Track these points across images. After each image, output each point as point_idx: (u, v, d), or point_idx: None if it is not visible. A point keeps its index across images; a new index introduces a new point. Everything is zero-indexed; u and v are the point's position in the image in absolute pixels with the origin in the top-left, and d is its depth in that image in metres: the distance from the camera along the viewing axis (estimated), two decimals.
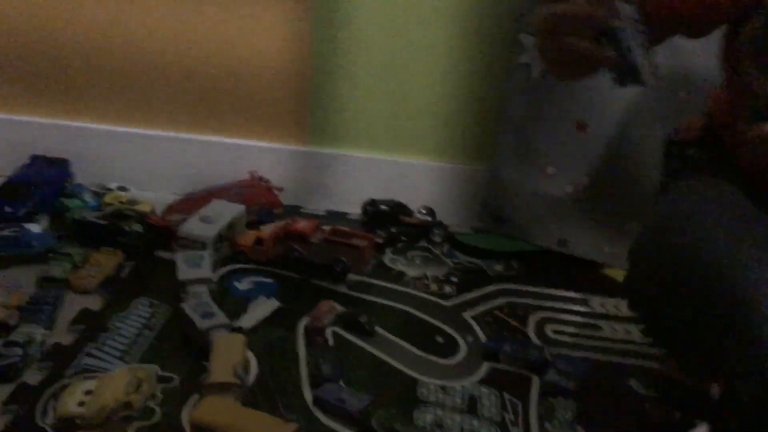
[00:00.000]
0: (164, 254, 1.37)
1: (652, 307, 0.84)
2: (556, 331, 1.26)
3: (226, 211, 1.38)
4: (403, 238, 1.53)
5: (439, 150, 1.60)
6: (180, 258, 1.26)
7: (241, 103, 1.59)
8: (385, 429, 0.96)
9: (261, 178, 1.59)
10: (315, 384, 1.06)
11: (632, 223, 1.37)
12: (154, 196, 1.60)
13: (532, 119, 1.44)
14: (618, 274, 1.43)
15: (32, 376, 1.04)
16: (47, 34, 1.55)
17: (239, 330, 1.17)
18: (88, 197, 1.54)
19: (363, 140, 1.61)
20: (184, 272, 1.22)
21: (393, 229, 1.52)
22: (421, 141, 1.60)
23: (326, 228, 1.38)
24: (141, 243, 1.37)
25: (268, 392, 1.05)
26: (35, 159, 1.60)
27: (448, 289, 1.37)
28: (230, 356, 1.03)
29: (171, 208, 1.49)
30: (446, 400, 1.07)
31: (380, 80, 1.54)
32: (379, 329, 1.22)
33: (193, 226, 1.33)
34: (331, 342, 1.18)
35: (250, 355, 1.11)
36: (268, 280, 1.33)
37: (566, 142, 1.43)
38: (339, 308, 1.24)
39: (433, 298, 1.33)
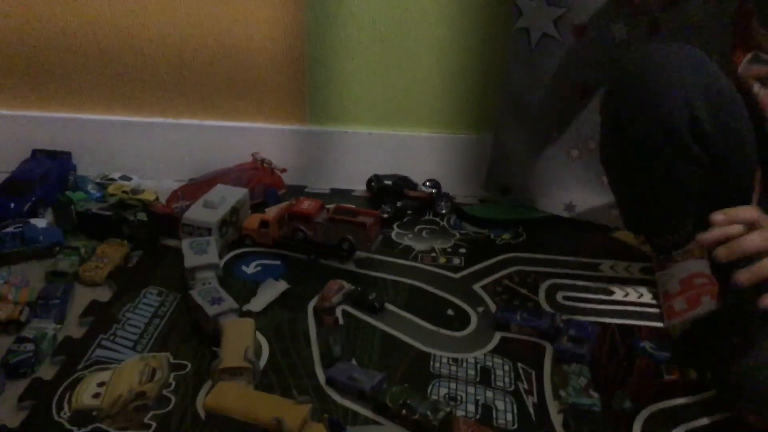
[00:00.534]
0: (170, 242, 1.37)
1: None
2: (567, 298, 1.25)
3: (229, 196, 1.38)
4: (409, 212, 1.52)
5: (441, 121, 1.58)
6: (186, 245, 1.26)
7: (239, 85, 1.58)
8: (399, 405, 0.96)
9: (263, 160, 1.58)
10: (327, 364, 1.06)
11: None
12: (157, 184, 1.60)
13: (533, 84, 1.42)
14: (627, 236, 1.41)
15: (46, 371, 1.05)
16: (42, 27, 1.53)
17: (248, 314, 1.17)
18: (91, 189, 1.54)
19: (363, 115, 1.59)
20: (190, 259, 1.22)
21: (398, 204, 1.51)
22: (422, 113, 1.58)
23: (331, 206, 1.38)
24: (146, 232, 1.37)
25: (281, 374, 1.05)
26: (37, 153, 1.60)
27: (456, 261, 1.36)
28: (241, 341, 1.03)
29: (174, 195, 1.48)
30: (459, 373, 1.06)
31: (378, 54, 1.52)
32: (388, 305, 1.22)
33: (197, 212, 1.33)
34: (341, 321, 1.17)
35: (261, 339, 1.12)
36: (275, 262, 1.33)
37: (570, 106, 1.41)
38: (347, 287, 1.23)
39: (441, 271, 1.32)
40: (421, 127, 1.59)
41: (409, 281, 1.29)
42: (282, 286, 1.25)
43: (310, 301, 1.22)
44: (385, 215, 1.48)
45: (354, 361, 1.08)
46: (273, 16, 1.50)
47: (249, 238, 1.38)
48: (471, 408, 1.00)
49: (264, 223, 1.37)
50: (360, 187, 1.61)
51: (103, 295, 1.23)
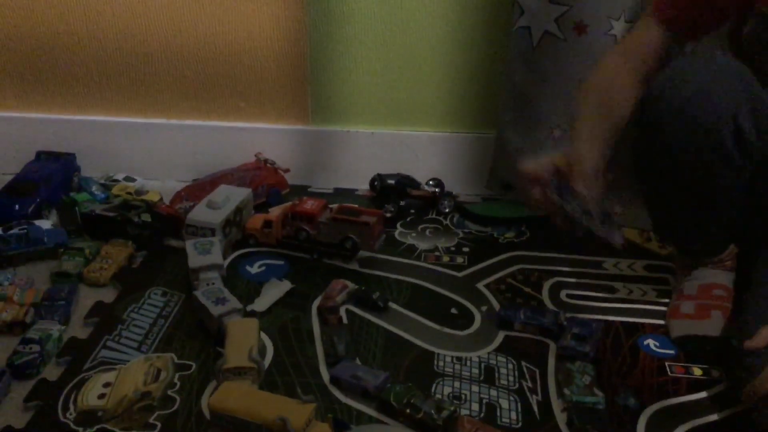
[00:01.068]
0: (174, 242, 1.37)
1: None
2: (570, 296, 1.25)
3: (233, 196, 1.38)
4: (412, 211, 1.52)
5: (444, 120, 1.58)
6: (190, 245, 1.26)
7: (242, 86, 1.58)
8: (403, 404, 0.96)
9: (266, 161, 1.59)
10: (331, 363, 1.07)
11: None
12: (161, 184, 1.61)
13: (536, 82, 1.42)
14: (632, 234, 1.41)
15: (51, 372, 1.05)
16: (45, 29, 1.54)
17: (252, 314, 1.17)
18: (95, 190, 1.54)
19: (366, 115, 1.59)
20: (194, 259, 1.22)
21: (401, 203, 1.52)
22: (424, 112, 1.58)
23: (334, 206, 1.38)
24: (150, 233, 1.37)
25: (285, 374, 1.05)
26: (41, 155, 1.61)
27: (460, 259, 1.36)
28: (245, 341, 1.03)
29: (178, 196, 1.49)
30: (463, 372, 1.06)
31: (380, 53, 1.52)
32: (392, 304, 1.22)
33: (200, 213, 1.33)
34: (345, 320, 1.18)
35: (265, 338, 1.12)
36: (279, 262, 1.33)
37: (571, 103, 1.40)
38: (351, 286, 1.24)
39: (445, 270, 1.32)
40: (423, 126, 1.60)
41: (412, 280, 1.29)
42: (286, 285, 1.25)
43: (313, 301, 1.22)
44: (389, 214, 1.48)
45: (358, 360, 1.08)
46: (275, 16, 1.50)
47: (252, 238, 1.38)
48: (475, 407, 1.00)
49: (267, 223, 1.37)
50: (363, 186, 1.61)
51: (108, 295, 1.23)
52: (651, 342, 1.12)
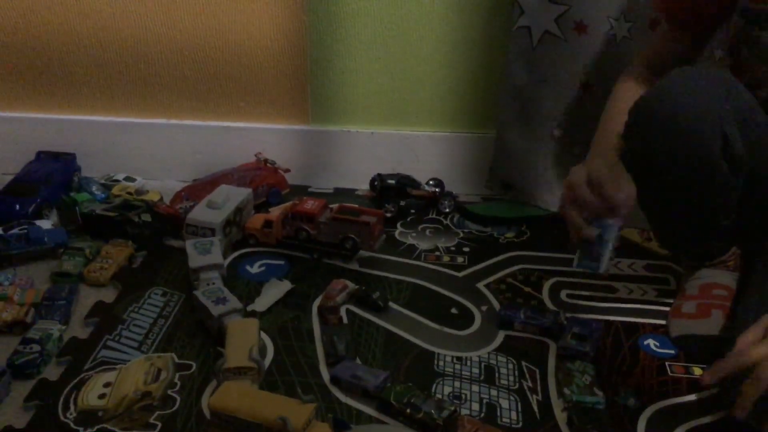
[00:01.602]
0: (174, 242, 1.37)
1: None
2: (570, 295, 1.25)
3: (233, 196, 1.38)
4: (412, 211, 1.52)
5: (444, 119, 1.58)
6: (190, 245, 1.26)
7: (242, 86, 1.58)
8: (403, 404, 0.96)
9: (267, 160, 1.59)
10: (331, 363, 1.07)
11: None
12: (161, 184, 1.61)
13: (536, 82, 1.42)
14: (631, 233, 1.41)
15: (51, 372, 1.05)
16: (45, 29, 1.54)
17: (253, 314, 1.17)
18: (96, 190, 1.54)
19: (366, 115, 1.59)
20: (194, 259, 1.23)
21: (402, 203, 1.52)
22: (424, 111, 1.58)
23: (334, 206, 1.38)
24: (150, 233, 1.37)
25: (285, 374, 1.05)
26: (41, 154, 1.61)
27: (460, 259, 1.36)
28: (245, 340, 1.03)
29: (178, 196, 1.49)
30: (463, 371, 1.07)
31: (380, 53, 1.52)
32: (392, 304, 1.22)
33: (200, 213, 1.33)
34: (345, 320, 1.18)
35: (265, 338, 1.12)
36: (279, 262, 1.34)
37: (571, 103, 1.41)
38: (351, 286, 1.24)
39: (445, 270, 1.32)
40: (423, 126, 1.60)
41: (412, 280, 1.29)
42: (286, 285, 1.25)
43: (314, 301, 1.22)
44: (389, 214, 1.48)
45: (358, 360, 1.08)
46: (275, 16, 1.50)
47: (253, 238, 1.39)
48: (475, 406, 1.00)
49: (268, 223, 1.37)
50: (363, 186, 1.61)
51: (108, 295, 1.23)
52: (651, 342, 1.12)
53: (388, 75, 1.54)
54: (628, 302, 1.23)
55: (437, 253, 1.38)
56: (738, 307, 1.08)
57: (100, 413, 0.97)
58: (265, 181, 1.54)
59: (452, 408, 0.95)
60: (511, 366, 1.08)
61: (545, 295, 1.25)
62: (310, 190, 1.62)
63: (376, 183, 1.56)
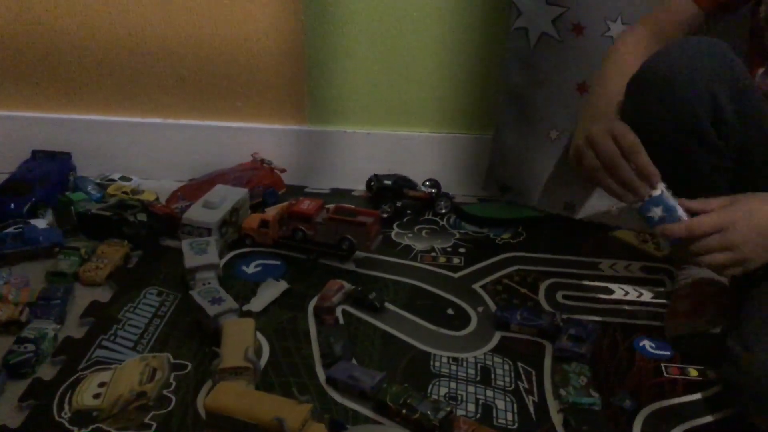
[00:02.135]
0: (170, 242, 1.37)
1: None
2: (567, 297, 1.25)
3: (229, 196, 1.38)
4: (409, 211, 1.52)
5: (441, 120, 1.58)
6: (186, 245, 1.26)
7: (239, 86, 1.58)
8: (399, 404, 0.96)
9: (263, 161, 1.58)
10: (327, 363, 1.07)
11: None
12: (157, 184, 1.60)
13: (533, 84, 1.42)
14: (627, 235, 1.41)
15: (46, 372, 1.05)
16: (41, 28, 1.53)
17: (249, 314, 1.17)
18: (91, 189, 1.54)
19: (363, 115, 1.59)
20: (190, 259, 1.22)
21: (398, 204, 1.51)
22: (421, 112, 1.58)
23: (330, 206, 1.38)
24: (146, 232, 1.37)
25: (281, 374, 1.05)
26: (37, 154, 1.60)
27: (456, 260, 1.36)
28: (241, 341, 1.03)
29: (174, 196, 1.49)
30: (459, 372, 1.07)
31: (376, 53, 1.52)
32: (388, 305, 1.22)
33: (196, 213, 1.33)
34: (341, 321, 1.18)
35: (261, 338, 1.12)
36: (275, 262, 1.33)
37: (568, 105, 1.41)
38: (347, 286, 1.24)
39: (441, 271, 1.32)
40: (420, 127, 1.59)
41: (409, 281, 1.29)
42: (282, 286, 1.25)
43: (310, 301, 1.22)
44: (385, 215, 1.48)
45: (354, 361, 1.08)
46: (272, 16, 1.50)
47: (249, 238, 1.38)
48: (471, 407, 1.00)
49: (264, 223, 1.37)
50: (360, 186, 1.61)
51: (104, 295, 1.23)
52: (647, 343, 1.12)
53: (386, 76, 1.54)
54: (624, 304, 1.23)
55: (433, 253, 1.38)
56: (742, 317, 1.05)
57: (94, 413, 0.97)
58: (261, 181, 1.53)
59: (448, 409, 0.95)
60: (507, 367, 1.08)
61: (541, 297, 1.25)
62: (306, 190, 1.62)
63: (372, 183, 1.56)
